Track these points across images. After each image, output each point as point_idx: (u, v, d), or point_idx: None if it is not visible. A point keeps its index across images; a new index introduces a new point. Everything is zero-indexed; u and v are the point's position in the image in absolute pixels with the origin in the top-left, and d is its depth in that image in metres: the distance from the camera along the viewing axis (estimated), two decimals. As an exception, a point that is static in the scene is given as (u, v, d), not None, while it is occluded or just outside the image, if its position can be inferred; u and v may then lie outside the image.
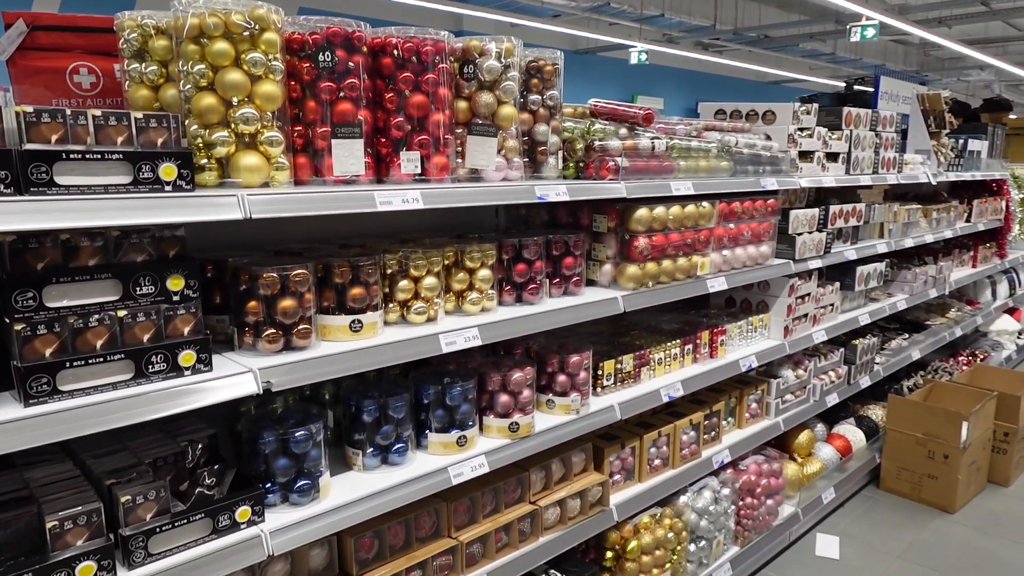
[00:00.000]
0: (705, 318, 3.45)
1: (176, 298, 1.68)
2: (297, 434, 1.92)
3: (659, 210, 2.76)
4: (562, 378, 2.61)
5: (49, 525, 1.55)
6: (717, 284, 3.10)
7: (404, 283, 2.16)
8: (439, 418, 2.28)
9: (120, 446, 1.93)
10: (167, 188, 1.61)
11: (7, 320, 1.48)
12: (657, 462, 3.08)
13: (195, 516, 1.73)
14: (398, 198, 1.98)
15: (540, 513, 2.56)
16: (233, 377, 1.73)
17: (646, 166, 2.71)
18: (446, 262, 2.30)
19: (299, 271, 1.88)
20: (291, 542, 1.87)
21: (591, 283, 2.84)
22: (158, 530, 1.67)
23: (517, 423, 2.40)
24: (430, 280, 2.19)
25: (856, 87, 8.40)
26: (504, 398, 2.40)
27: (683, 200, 2.89)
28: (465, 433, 2.29)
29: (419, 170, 2.12)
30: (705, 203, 2.96)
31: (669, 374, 3.06)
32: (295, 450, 1.92)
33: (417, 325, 2.18)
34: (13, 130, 1.50)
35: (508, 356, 2.65)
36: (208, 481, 1.87)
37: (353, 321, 2.01)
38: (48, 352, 1.52)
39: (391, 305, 2.17)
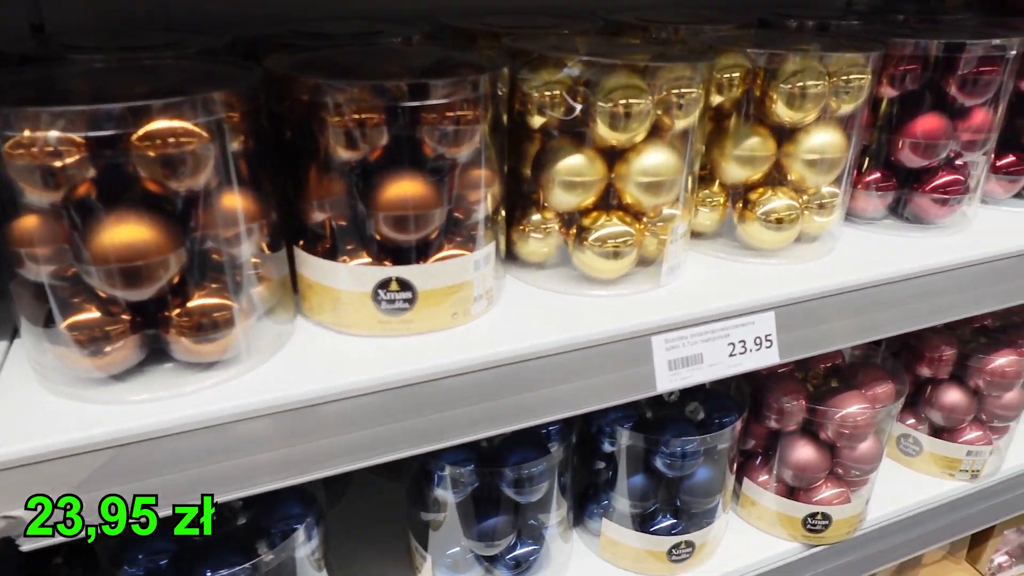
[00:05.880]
0: None
1: None
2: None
3: None
4: (952, 396, 1.09)
5: None
6: None
7: (573, 162, 0.72)
8: (635, 491, 0.93)
9: None
10: None
11: None
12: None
13: None
14: None
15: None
16: None
17: None
18: (720, 97, 0.79)
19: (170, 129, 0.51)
20: None
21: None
22: None
23: (827, 516, 0.97)
24: (658, 156, 0.72)
25: None
26: (802, 452, 0.97)
27: None
28: (691, 537, 0.93)
29: None
30: None
31: None
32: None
33: (598, 277, 0.76)
34: None
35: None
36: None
37: (382, 283, 0.65)
38: None
39: (527, 223, 0.76)
